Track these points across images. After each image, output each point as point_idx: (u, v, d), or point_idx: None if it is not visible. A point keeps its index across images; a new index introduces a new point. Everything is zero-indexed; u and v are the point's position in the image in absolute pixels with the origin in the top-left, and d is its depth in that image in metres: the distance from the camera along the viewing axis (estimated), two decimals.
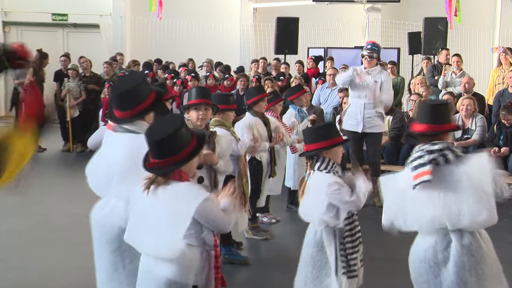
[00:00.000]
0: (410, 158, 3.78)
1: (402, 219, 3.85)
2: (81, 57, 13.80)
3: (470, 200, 3.59)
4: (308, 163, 4.46)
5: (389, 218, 3.93)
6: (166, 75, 12.82)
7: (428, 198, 3.69)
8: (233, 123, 6.48)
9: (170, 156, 3.32)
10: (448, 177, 3.65)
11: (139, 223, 3.46)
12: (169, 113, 4.70)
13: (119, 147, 3.92)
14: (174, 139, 3.33)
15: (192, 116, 5.30)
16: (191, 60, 15.21)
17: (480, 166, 3.63)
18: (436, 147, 3.68)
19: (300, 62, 14.11)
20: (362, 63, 8.51)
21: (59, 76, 13.47)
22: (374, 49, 8.37)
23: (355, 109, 8.47)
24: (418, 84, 11.11)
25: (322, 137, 4.34)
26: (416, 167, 3.69)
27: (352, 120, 8.52)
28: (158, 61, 15.74)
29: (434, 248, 3.76)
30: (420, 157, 3.68)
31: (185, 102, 5.52)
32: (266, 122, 7.13)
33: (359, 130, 8.49)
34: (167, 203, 3.32)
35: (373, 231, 5.20)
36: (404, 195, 3.82)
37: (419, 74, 13.17)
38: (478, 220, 3.62)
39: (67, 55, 14.05)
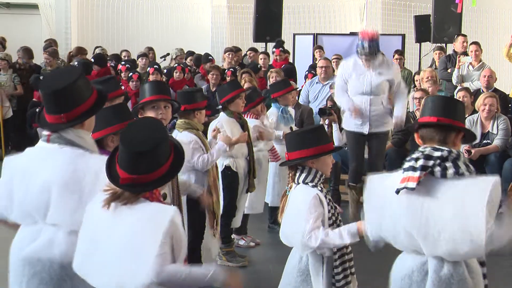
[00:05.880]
0: (407, 158, 3.73)
1: (378, 225, 3.83)
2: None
3: (455, 225, 3.51)
4: (290, 174, 4.46)
5: (374, 229, 3.88)
6: (120, 67, 12.76)
7: (407, 208, 3.64)
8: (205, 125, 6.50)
9: (153, 170, 3.25)
10: (440, 192, 3.58)
11: (93, 249, 3.36)
12: (129, 114, 4.61)
13: (57, 164, 3.75)
14: (160, 150, 3.27)
15: None
16: (151, 49, 15.16)
17: (482, 195, 3.49)
18: (437, 153, 3.61)
19: (285, 52, 14.10)
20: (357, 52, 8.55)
21: None
22: (372, 47, 8.35)
23: (359, 106, 8.53)
24: (427, 77, 11.16)
25: (308, 144, 4.32)
26: (406, 170, 3.65)
27: (356, 120, 8.59)
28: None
29: (410, 277, 3.72)
30: (416, 159, 3.64)
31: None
32: (244, 125, 7.15)
33: (365, 131, 8.58)
34: (132, 226, 3.25)
35: (371, 257, 5.21)
36: (386, 197, 3.77)
37: (430, 66, 13.24)
38: (459, 252, 3.56)
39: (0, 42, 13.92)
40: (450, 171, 3.56)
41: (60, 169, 3.72)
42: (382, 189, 3.81)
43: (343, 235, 4.18)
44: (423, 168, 3.58)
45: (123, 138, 3.31)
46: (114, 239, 3.26)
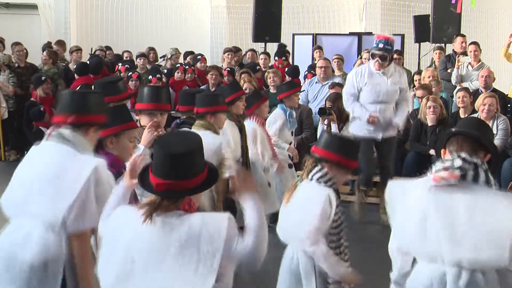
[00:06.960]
0: (438, 161, 3.78)
1: (402, 231, 3.81)
2: (16, 44, 13.61)
3: (483, 228, 3.55)
4: (308, 167, 4.47)
5: (397, 236, 3.89)
6: (120, 67, 12.77)
7: (435, 207, 3.65)
8: None
9: (188, 177, 3.19)
10: (470, 195, 3.62)
11: (130, 267, 3.16)
12: (129, 116, 4.64)
13: (45, 158, 3.84)
14: (196, 157, 3.24)
15: (144, 122, 5.34)
16: (152, 49, 15.14)
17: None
18: (474, 159, 3.68)
19: (287, 59, 14.08)
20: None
21: None
22: (388, 48, 8.44)
23: (376, 115, 8.66)
24: (429, 77, 11.17)
25: (338, 150, 4.38)
26: (442, 169, 3.68)
27: (368, 126, 8.71)
28: (107, 48, 15.63)
29: None
30: (452, 160, 3.70)
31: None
32: (242, 129, 7.13)
33: (379, 136, 8.75)
34: (187, 241, 3.12)
35: (377, 257, 5.22)
36: (409, 201, 3.78)
37: (430, 66, 13.26)
38: (481, 255, 3.55)
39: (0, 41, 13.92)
40: (482, 177, 3.65)
41: (46, 162, 3.82)
42: (405, 194, 3.83)
43: (339, 269, 4.30)
44: (461, 168, 3.65)
45: (159, 142, 3.30)
46: (170, 256, 3.12)
